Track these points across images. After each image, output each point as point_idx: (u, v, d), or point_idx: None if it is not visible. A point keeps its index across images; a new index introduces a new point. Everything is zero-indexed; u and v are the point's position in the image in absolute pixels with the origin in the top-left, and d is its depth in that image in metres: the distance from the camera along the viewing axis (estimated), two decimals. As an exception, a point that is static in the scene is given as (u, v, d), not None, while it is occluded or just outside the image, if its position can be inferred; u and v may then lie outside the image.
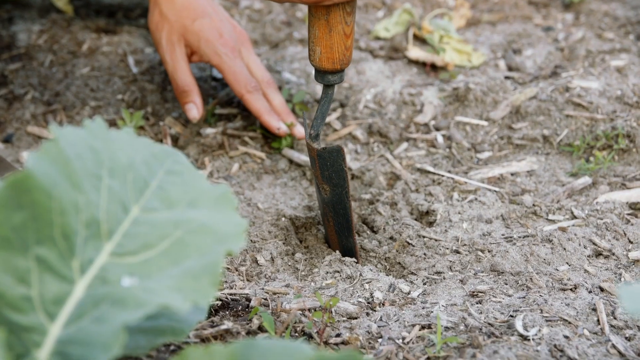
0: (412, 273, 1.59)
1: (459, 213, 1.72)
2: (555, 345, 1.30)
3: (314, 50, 1.51)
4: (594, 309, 1.40)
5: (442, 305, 1.42)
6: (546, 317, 1.37)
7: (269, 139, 1.96)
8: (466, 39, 2.30)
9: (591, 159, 1.87)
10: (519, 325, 1.34)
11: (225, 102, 2.05)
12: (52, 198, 0.96)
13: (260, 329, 1.36)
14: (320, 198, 1.65)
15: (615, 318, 1.39)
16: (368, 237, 1.72)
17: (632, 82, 2.02)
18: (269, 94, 1.91)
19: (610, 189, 1.78)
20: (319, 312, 1.33)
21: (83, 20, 2.30)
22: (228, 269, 1.56)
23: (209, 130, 1.95)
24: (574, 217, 1.70)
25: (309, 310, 1.39)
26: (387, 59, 2.22)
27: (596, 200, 1.74)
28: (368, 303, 1.46)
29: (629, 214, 1.70)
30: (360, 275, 1.54)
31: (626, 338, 1.34)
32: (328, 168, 1.58)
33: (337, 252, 1.63)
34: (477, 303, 1.44)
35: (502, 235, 1.65)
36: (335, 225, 1.64)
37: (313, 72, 1.58)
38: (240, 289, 1.49)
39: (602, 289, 1.48)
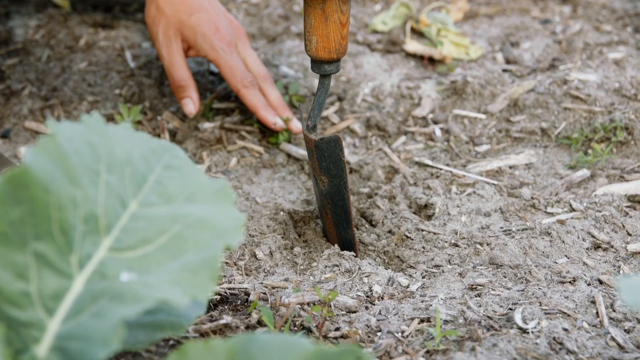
0: (411, 266, 1.59)
1: (458, 206, 1.72)
2: (554, 338, 1.30)
3: (310, 39, 1.51)
4: (593, 302, 1.40)
5: (441, 299, 1.42)
6: (545, 310, 1.37)
7: (267, 133, 1.96)
8: (464, 32, 2.29)
9: (589, 151, 1.86)
10: (518, 318, 1.34)
11: (222, 96, 2.05)
12: (50, 193, 0.95)
13: (260, 323, 1.36)
14: (318, 191, 1.64)
15: (614, 310, 1.39)
16: (367, 231, 1.72)
17: (629, 75, 2.02)
18: (265, 89, 1.91)
19: (608, 181, 1.78)
20: (318, 306, 1.33)
21: (80, 15, 2.29)
22: (227, 263, 1.56)
23: (207, 125, 1.94)
24: (573, 209, 1.70)
25: (308, 304, 1.39)
26: (385, 52, 2.22)
27: (594, 192, 1.74)
28: (367, 297, 1.46)
29: (627, 207, 1.70)
30: (359, 269, 1.53)
31: (625, 330, 1.34)
32: (326, 159, 1.57)
33: (336, 246, 1.62)
34: (476, 296, 1.44)
35: (501, 228, 1.65)
36: (333, 217, 1.64)
37: (310, 65, 1.57)
38: (239, 283, 1.48)
39: (600, 282, 1.48)
